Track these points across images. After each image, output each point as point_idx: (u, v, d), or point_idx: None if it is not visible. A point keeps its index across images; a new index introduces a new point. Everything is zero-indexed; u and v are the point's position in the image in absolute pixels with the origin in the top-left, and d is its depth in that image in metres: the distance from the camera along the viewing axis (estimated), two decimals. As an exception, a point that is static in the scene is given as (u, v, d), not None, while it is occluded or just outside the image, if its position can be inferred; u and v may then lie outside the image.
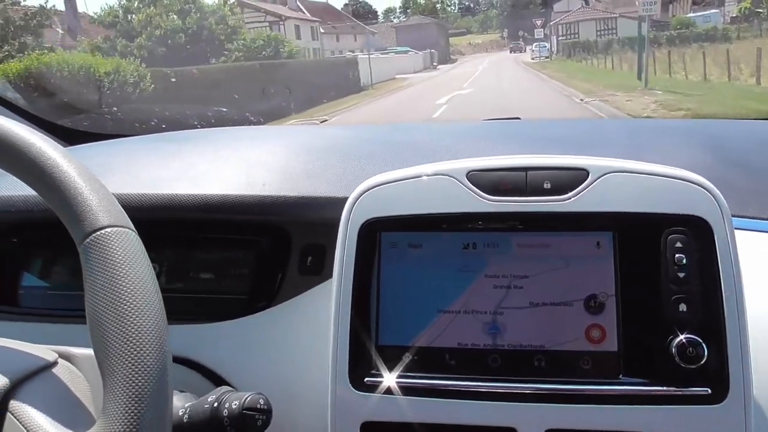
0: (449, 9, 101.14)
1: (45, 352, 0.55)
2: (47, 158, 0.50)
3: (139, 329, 0.45)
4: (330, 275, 0.75)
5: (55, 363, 0.54)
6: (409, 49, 43.73)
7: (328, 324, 0.68)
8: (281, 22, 34.60)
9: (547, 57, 35.91)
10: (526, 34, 66.86)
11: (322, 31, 42.19)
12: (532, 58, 37.28)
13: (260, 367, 0.77)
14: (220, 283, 0.85)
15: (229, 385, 0.75)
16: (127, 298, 0.46)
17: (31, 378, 0.51)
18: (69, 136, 1.22)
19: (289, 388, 0.74)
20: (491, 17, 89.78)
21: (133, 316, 0.45)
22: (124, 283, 0.46)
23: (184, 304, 0.83)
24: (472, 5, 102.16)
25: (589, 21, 39.35)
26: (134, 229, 0.50)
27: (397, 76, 28.59)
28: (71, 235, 0.49)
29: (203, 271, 0.86)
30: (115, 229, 0.48)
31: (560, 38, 38.71)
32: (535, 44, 40.41)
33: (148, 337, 0.45)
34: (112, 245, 0.47)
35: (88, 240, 0.48)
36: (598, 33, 37.00)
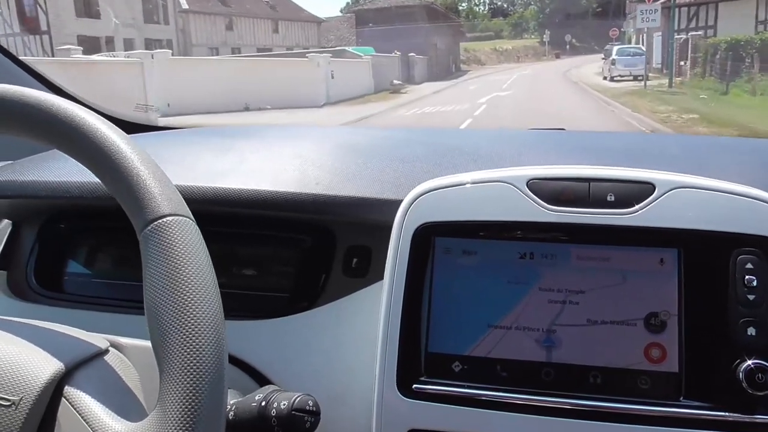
0: (477, 9, 77.64)
1: (97, 339, 0.55)
2: (111, 143, 0.50)
3: (198, 320, 0.45)
4: (375, 279, 0.74)
5: (107, 351, 0.54)
6: (371, 51, 23.18)
7: (371, 328, 0.67)
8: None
9: (639, 76, 18.12)
10: (574, 40, 50.73)
11: (185, 5, 21.12)
12: (610, 78, 19.48)
13: (301, 367, 0.76)
14: (262, 280, 0.85)
15: (270, 383, 0.74)
16: (186, 288, 0.45)
17: (85, 364, 0.50)
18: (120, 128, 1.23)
19: (332, 390, 0.73)
20: (527, 18, 66.44)
21: (192, 307, 0.45)
22: (184, 273, 0.46)
23: (226, 300, 0.83)
24: (506, 5, 77.05)
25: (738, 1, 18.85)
26: (194, 219, 0.50)
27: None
28: (132, 222, 0.49)
29: (246, 267, 0.86)
30: (176, 218, 0.48)
31: (681, 35, 18.43)
32: (615, 49, 21.14)
33: (206, 329, 0.45)
34: (173, 234, 0.47)
35: (149, 228, 0.47)
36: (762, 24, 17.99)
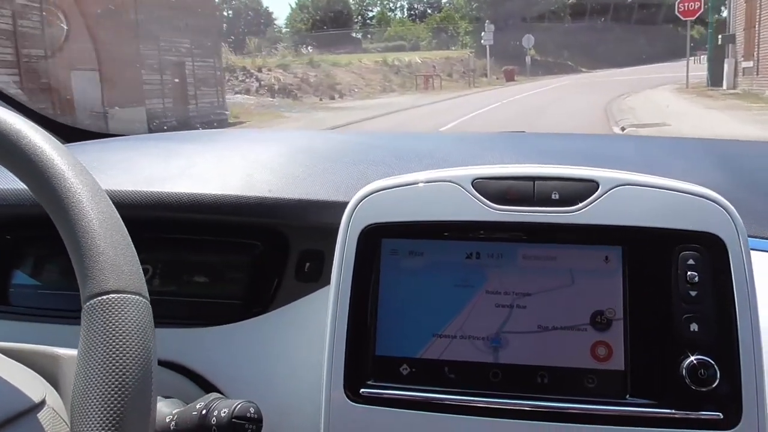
0: (391, 15, 57.13)
1: (32, 387, 0.50)
2: (76, 200, 0.47)
3: (124, 411, 0.41)
4: (328, 282, 0.73)
5: (41, 404, 0.49)
6: None
7: (324, 332, 0.66)
8: None
9: None
10: (530, 49, 30.61)
11: None
12: None
13: (252, 374, 0.74)
14: (213, 287, 0.83)
15: (219, 391, 0.72)
16: (117, 381, 0.42)
17: (11, 423, 0.46)
18: (69, 135, 1.20)
19: (282, 397, 0.72)
20: (454, 18, 43.53)
21: (120, 398, 0.41)
22: (118, 363, 0.42)
23: (176, 307, 0.81)
24: (429, 11, 55.91)
25: None
26: (146, 295, 0.46)
27: None
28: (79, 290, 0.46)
29: (197, 274, 0.84)
30: (121, 296, 0.44)
31: None
32: None
33: (133, 420, 0.42)
34: (115, 315, 0.43)
35: (91, 302, 0.44)
36: None
